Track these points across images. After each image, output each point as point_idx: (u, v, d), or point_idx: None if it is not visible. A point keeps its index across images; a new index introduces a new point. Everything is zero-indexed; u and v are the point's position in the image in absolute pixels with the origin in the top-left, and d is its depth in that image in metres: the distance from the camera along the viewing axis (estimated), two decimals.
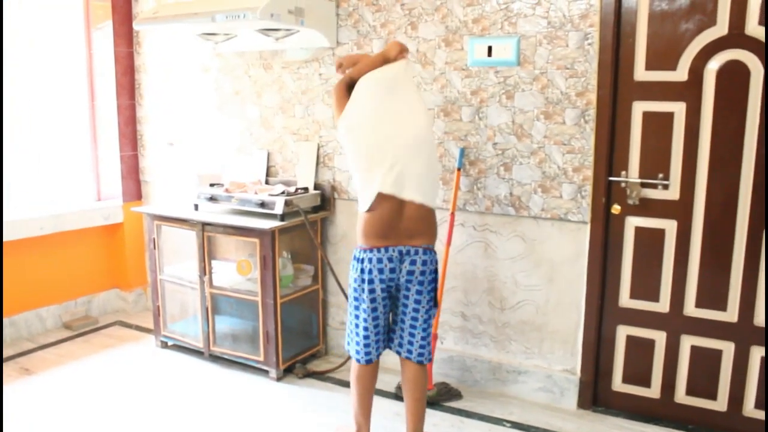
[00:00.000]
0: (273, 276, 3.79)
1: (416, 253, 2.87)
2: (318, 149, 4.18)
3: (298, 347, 4.14)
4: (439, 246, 3.76)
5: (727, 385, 3.31)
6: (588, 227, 3.44)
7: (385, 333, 3.03)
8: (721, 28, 3.07)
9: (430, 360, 3.07)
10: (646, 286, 3.42)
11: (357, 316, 2.97)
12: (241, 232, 3.87)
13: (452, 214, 3.66)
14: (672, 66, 3.19)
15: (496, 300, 3.72)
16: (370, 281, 2.87)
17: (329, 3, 3.95)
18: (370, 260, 2.86)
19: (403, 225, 2.86)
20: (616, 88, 3.31)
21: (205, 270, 4.05)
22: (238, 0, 3.78)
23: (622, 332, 3.50)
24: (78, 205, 4.95)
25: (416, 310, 2.94)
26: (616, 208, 3.40)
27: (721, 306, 3.27)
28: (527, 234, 3.59)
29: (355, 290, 2.94)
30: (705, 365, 3.34)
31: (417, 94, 3.05)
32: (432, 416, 3.51)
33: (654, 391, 3.48)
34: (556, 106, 3.42)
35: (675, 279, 3.34)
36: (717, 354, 3.31)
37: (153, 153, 5.13)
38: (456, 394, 3.73)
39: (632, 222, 3.40)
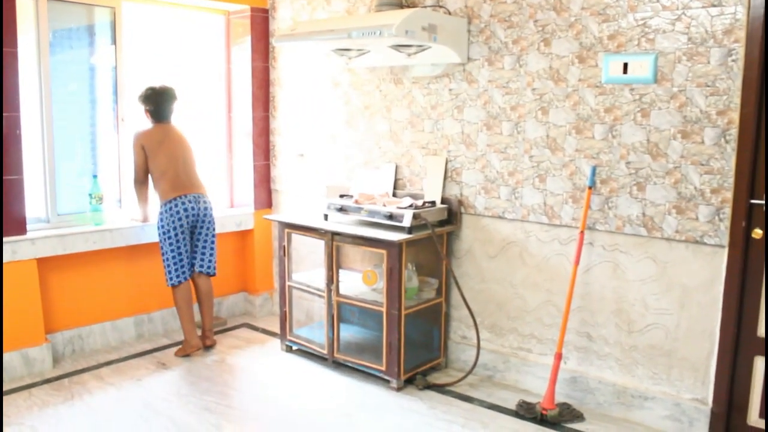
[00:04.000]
0: (399, 287, 3.86)
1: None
2: (446, 164, 4.22)
3: (419, 359, 4.18)
4: (566, 264, 3.73)
5: None
6: (725, 251, 3.30)
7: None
8: None
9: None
10: None
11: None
12: (369, 243, 3.96)
13: (582, 232, 3.61)
14: None
15: (623, 322, 3.63)
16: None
17: (461, 19, 4.00)
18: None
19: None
20: (761, 107, 3.17)
21: (332, 278, 4.17)
22: (373, 17, 3.90)
23: (760, 364, 3.33)
24: (214, 212, 5.18)
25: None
26: (757, 233, 3.24)
27: None
28: (659, 256, 3.49)
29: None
30: None
31: None
32: None
33: None
34: (694, 125, 3.32)
35: None
36: None
37: (284, 163, 5.33)
38: (578, 416, 3.66)
39: None
